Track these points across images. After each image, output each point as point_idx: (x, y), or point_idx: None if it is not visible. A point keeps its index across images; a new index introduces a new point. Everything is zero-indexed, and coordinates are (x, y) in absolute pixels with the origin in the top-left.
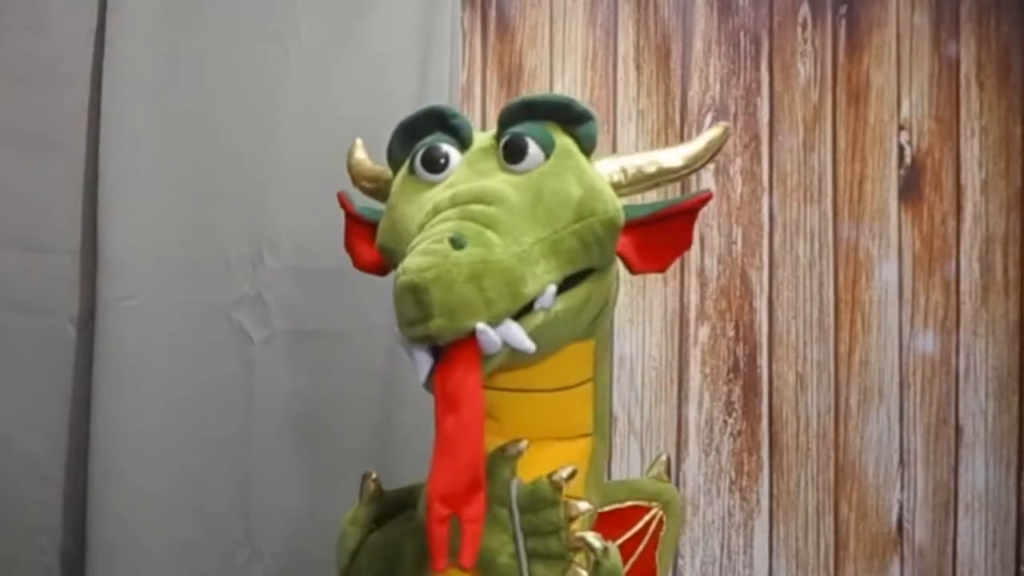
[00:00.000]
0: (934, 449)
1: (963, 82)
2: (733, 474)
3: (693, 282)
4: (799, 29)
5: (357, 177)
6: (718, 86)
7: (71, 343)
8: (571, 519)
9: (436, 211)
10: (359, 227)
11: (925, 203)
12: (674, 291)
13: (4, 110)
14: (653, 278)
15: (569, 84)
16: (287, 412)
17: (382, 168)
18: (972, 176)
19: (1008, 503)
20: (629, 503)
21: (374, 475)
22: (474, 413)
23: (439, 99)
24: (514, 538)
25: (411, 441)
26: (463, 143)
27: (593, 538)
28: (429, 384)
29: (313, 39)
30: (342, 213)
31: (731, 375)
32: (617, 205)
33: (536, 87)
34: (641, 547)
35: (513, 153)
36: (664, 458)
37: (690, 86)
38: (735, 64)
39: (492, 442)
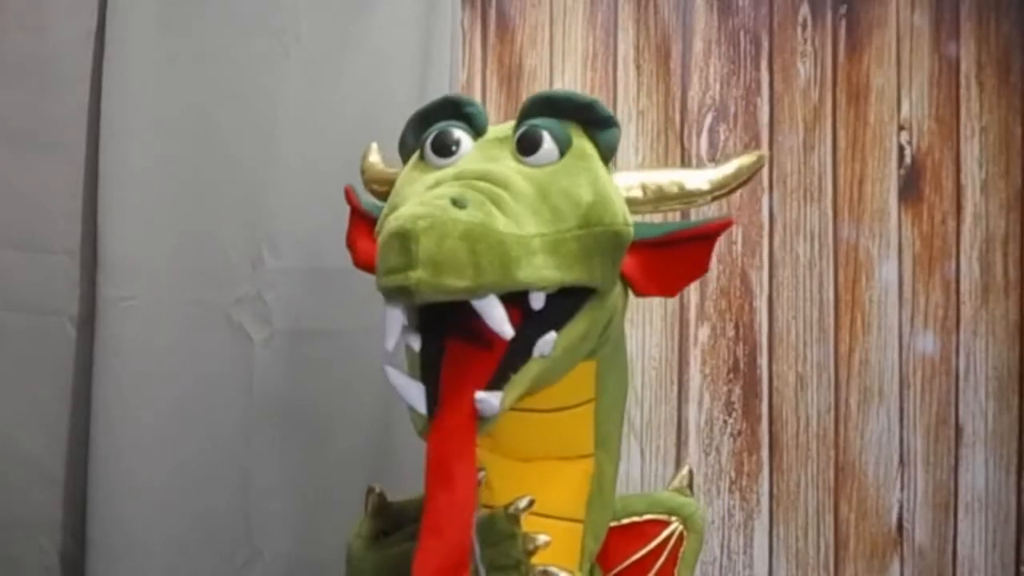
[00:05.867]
0: (934, 449)
1: (963, 82)
2: (733, 474)
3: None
4: (799, 29)
5: (369, 180)
6: (718, 86)
7: (71, 343)
8: (530, 553)
9: (437, 184)
10: (363, 223)
11: (925, 203)
12: None
13: (4, 110)
14: None
15: (569, 84)
16: (287, 412)
17: (395, 171)
18: (972, 176)
19: (1008, 503)
20: (648, 517)
21: (378, 488)
22: (468, 489)
23: None
24: (476, 573)
25: (411, 441)
26: (477, 131)
27: (556, 570)
28: (399, 353)
29: (313, 39)
30: (342, 213)
31: (731, 375)
32: (627, 218)
33: (536, 87)
34: (659, 563)
35: (527, 145)
36: (686, 471)
37: (690, 86)
38: (735, 64)
39: (487, 459)
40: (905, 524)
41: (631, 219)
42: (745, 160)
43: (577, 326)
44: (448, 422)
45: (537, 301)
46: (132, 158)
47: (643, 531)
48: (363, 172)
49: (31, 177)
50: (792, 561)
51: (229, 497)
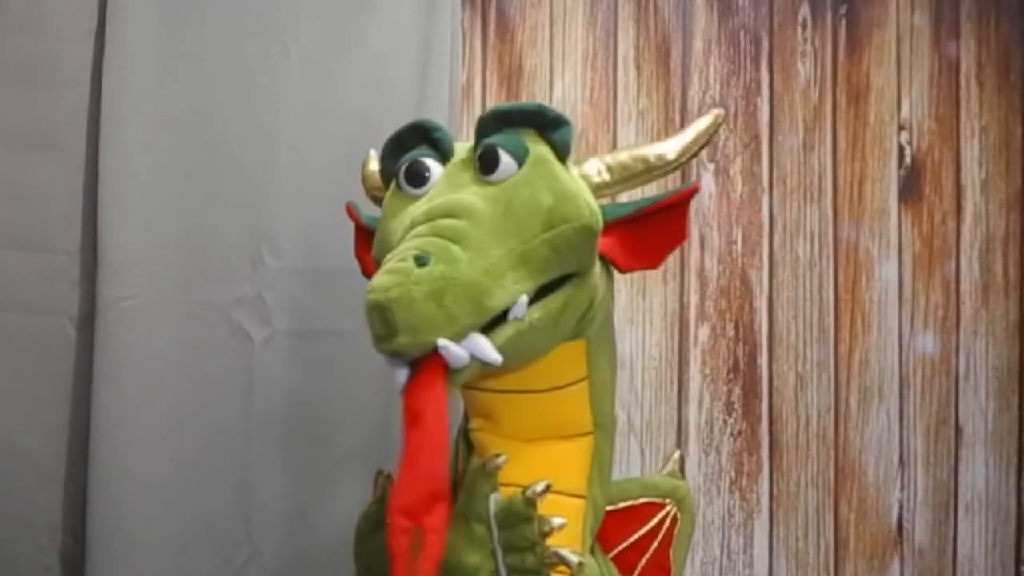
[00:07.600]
0: (934, 449)
1: (963, 82)
2: (733, 474)
3: (693, 282)
4: (799, 29)
5: (370, 189)
6: (718, 86)
7: (71, 343)
8: (545, 534)
9: (412, 226)
10: (366, 237)
11: (925, 203)
12: (674, 291)
13: (4, 110)
14: (653, 278)
15: (569, 84)
16: (287, 412)
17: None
18: (972, 176)
19: (1008, 503)
20: (643, 500)
21: (387, 472)
22: (437, 425)
23: (439, 99)
24: (493, 555)
25: None
26: (444, 156)
27: (568, 553)
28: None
29: (314, 39)
30: (342, 212)
31: (731, 375)
32: (593, 210)
33: (536, 87)
34: (655, 544)
35: (486, 164)
36: (677, 455)
37: (690, 86)
38: (735, 64)
39: (491, 442)
40: (905, 524)
41: (597, 207)
42: (703, 123)
43: (556, 299)
44: (421, 377)
45: (518, 310)
46: (132, 158)
47: (639, 513)
48: (364, 181)
49: (31, 177)
50: (792, 561)
51: (229, 497)
